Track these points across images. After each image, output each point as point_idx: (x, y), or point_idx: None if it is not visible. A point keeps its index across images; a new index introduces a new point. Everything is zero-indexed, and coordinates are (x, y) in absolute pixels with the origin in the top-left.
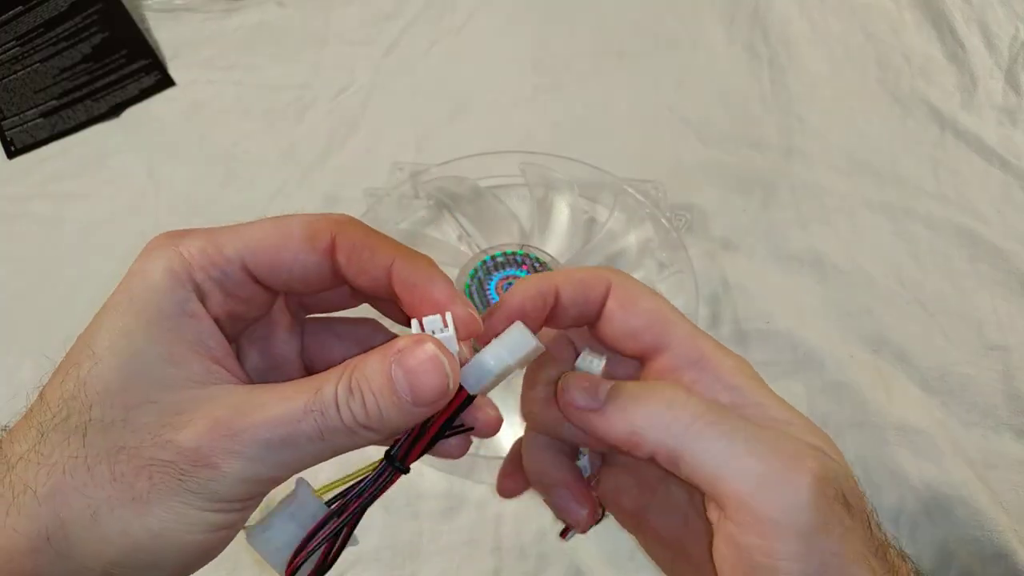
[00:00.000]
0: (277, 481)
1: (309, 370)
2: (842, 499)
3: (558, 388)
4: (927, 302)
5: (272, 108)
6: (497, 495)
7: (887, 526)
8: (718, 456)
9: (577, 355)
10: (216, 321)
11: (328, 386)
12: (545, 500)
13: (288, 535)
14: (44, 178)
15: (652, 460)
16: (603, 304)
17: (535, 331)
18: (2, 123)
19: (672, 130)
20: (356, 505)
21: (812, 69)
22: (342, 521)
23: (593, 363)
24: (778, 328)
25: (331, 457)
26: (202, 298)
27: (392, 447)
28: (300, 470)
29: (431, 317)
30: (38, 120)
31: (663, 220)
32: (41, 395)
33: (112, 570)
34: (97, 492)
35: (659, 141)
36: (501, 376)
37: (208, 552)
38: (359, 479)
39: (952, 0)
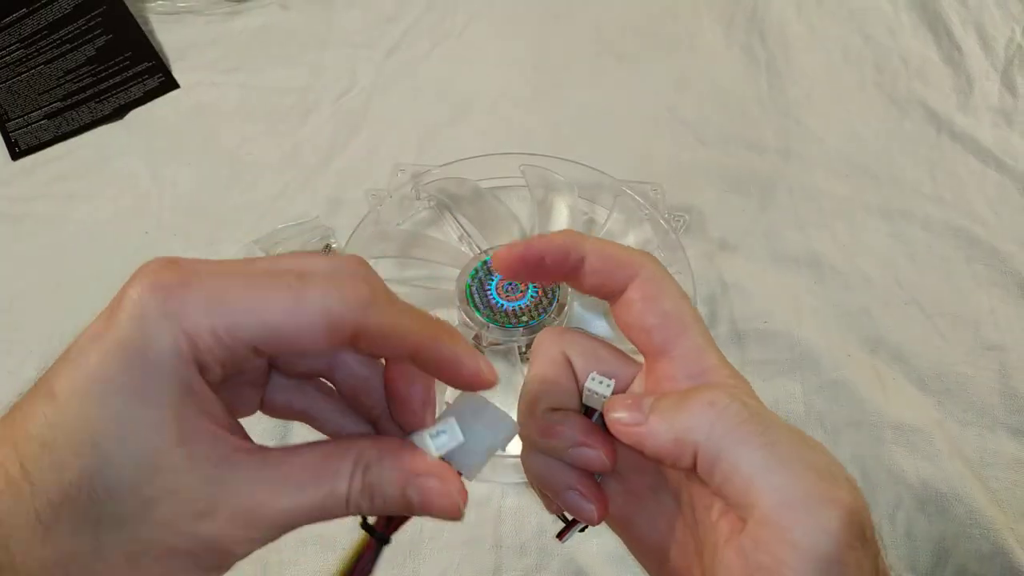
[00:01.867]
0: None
1: (268, 407)
2: (862, 535)
3: (604, 412)
4: (924, 303)
5: (275, 110)
6: (496, 495)
7: (884, 525)
8: (754, 466)
9: (576, 379)
10: (208, 384)
11: (342, 484)
12: (556, 501)
13: None
14: (48, 179)
15: (694, 470)
16: (625, 287)
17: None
18: (7, 124)
19: (671, 131)
20: None
21: (810, 71)
22: None
23: (603, 384)
24: (776, 328)
25: None
26: (202, 370)
27: (365, 519)
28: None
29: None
30: (42, 122)
31: (661, 221)
32: (25, 471)
33: None
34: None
35: (658, 142)
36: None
37: None
38: (352, 562)
39: (949, 3)
